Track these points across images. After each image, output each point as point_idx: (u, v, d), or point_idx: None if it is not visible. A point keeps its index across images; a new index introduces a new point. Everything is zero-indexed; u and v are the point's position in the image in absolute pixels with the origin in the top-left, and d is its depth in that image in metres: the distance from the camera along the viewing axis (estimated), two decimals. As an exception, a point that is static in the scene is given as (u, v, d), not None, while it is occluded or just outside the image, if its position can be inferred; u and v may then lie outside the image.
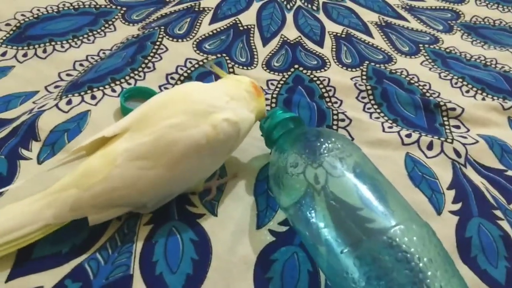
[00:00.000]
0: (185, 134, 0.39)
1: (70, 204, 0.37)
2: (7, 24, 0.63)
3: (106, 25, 0.66)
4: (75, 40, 0.62)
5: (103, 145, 0.40)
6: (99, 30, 0.65)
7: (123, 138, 0.40)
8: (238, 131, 0.42)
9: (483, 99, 0.61)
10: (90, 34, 0.64)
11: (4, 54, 0.59)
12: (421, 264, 0.32)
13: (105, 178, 0.38)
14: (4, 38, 0.61)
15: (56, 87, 0.55)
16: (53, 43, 0.61)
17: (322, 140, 0.42)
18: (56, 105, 0.51)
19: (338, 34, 0.72)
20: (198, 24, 0.69)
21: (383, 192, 0.38)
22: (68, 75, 0.57)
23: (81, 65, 0.59)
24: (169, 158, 0.39)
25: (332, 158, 0.40)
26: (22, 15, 0.65)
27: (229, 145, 0.43)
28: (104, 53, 0.61)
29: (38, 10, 0.66)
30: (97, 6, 0.70)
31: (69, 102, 0.51)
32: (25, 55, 0.59)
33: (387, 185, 0.40)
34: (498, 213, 0.46)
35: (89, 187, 0.38)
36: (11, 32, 0.62)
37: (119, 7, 0.70)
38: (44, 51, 0.60)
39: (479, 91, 0.62)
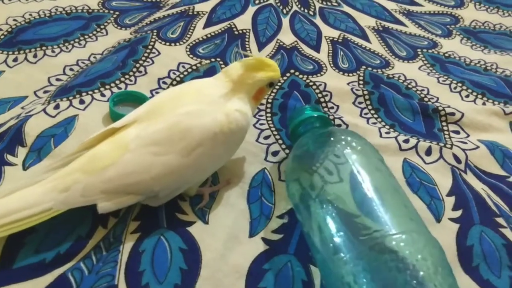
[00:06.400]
0: (199, 121, 0.40)
1: (81, 189, 0.37)
2: (-1, 29, 0.62)
3: (98, 29, 0.65)
4: (66, 44, 0.61)
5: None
6: (90, 35, 0.64)
7: (133, 127, 0.40)
8: (248, 123, 0.43)
9: (484, 103, 0.60)
10: (82, 38, 0.63)
11: (-6, 59, 0.58)
12: (419, 274, 0.31)
13: (117, 162, 0.38)
14: (-5, 43, 0.60)
15: (45, 92, 0.54)
16: (44, 47, 0.60)
17: (336, 142, 0.42)
18: (44, 110, 0.49)
19: (335, 39, 0.70)
20: (192, 28, 0.67)
21: (391, 201, 0.37)
22: (57, 79, 0.56)
23: (71, 69, 0.57)
24: (183, 144, 0.39)
25: (348, 163, 0.39)
26: (14, 20, 0.64)
27: (239, 136, 0.43)
28: (95, 57, 0.60)
29: (30, 15, 0.65)
30: (90, 10, 0.68)
31: (56, 107, 0.50)
32: (15, 60, 0.58)
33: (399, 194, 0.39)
34: (500, 220, 0.45)
35: (100, 171, 0.37)
36: (2, 37, 0.61)
37: (112, 11, 0.69)
38: (35, 56, 0.58)
39: (479, 96, 0.61)
